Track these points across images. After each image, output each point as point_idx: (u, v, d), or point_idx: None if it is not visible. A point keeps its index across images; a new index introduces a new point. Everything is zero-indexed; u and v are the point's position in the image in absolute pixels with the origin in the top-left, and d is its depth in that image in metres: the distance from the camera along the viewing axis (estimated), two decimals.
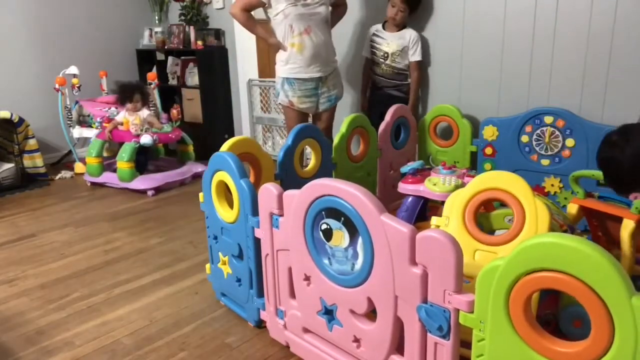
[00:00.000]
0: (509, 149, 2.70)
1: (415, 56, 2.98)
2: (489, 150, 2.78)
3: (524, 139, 2.65)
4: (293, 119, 2.83)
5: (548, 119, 2.55)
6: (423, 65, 3.06)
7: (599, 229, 1.98)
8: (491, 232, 1.90)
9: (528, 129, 2.63)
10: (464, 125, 2.88)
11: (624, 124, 1.66)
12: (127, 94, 3.67)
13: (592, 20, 2.45)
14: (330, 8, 2.82)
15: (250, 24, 2.80)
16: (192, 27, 4.36)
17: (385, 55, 3.02)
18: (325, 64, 2.80)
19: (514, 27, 2.71)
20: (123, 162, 3.44)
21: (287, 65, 2.75)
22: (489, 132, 2.76)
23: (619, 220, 1.76)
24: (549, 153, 2.59)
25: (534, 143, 2.63)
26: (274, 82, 4.22)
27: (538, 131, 2.60)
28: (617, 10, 2.38)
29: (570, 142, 2.51)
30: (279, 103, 2.90)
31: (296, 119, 2.82)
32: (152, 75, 4.22)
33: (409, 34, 2.97)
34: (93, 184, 3.67)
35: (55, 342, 1.79)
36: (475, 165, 2.86)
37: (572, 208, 1.94)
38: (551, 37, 2.60)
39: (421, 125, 3.04)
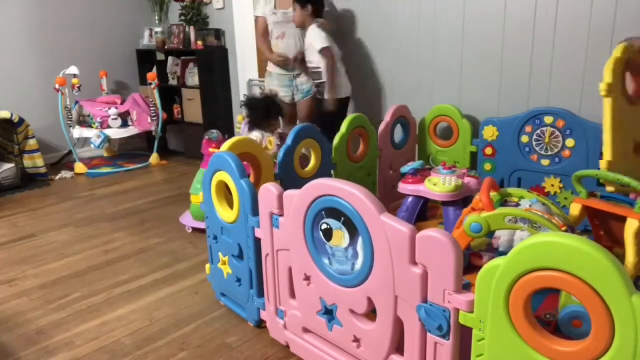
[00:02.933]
0: (508, 149, 2.70)
1: (317, 44, 3.10)
2: (489, 150, 2.78)
3: (524, 139, 2.65)
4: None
5: (548, 119, 2.55)
6: (329, 53, 3.11)
7: (600, 228, 1.97)
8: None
9: (528, 129, 2.63)
10: (463, 125, 2.88)
11: None
12: (273, 109, 2.68)
13: (592, 20, 2.45)
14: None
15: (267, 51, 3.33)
16: (192, 27, 4.36)
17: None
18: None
19: (513, 27, 2.72)
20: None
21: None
22: (489, 132, 2.76)
23: (622, 219, 1.76)
24: (549, 153, 2.59)
25: (534, 143, 2.63)
26: None
27: (538, 131, 2.60)
28: (617, 10, 2.38)
29: (570, 142, 2.51)
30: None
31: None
32: (152, 75, 4.22)
33: (309, 29, 3.16)
34: (195, 229, 2.71)
35: (55, 342, 1.79)
36: (475, 166, 2.86)
37: (575, 208, 1.94)
38: (551, 37, 2.60)
39: (421, 125, 3.04)
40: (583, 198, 1.93)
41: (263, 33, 3.33)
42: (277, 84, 3.32)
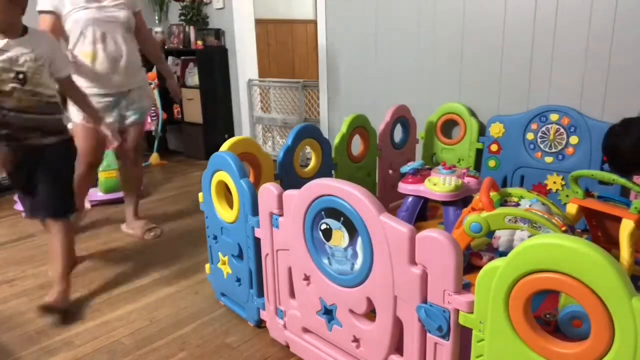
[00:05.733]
0: (514, 146, 2.72)
1: (64, 71, 2.04)
2: (494, 147, 2.80)
3: (530, 136, 2.67)
4: (85, 138, 2.39)
5: (554, 117, 2.57)
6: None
7: (598, 229, 1.98)
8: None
9: (534, 126, 2.64)
10: (471, 123, 2.89)
11: (625, 117, 1.95)
12: None
13: (592, 19, 2.45)
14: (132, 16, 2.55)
15: None
16: (192, 27, 4.37)
17: (21, 77, 1.84)
18: (127, 76, 2.48)
19: (514, 26, 2.71)
20: None
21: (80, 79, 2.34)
22: (496, 129, 2.78)
23: (618, 220, 1.77)
24: (553, 150, 2.60)
25: (539, 140, 2.64)
26: (274, 82, 4.25)
27: (543, 128, 2.62)
28: (617, 6, 2.38)
29: (574, 139, 2.52)
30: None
31: (88, 138, 2.39)
32: (152, 75, 4.21)
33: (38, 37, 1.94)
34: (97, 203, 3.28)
35: (55, 342, 1.79)
36: (479, 162, 2.88)
37: (572, 208, 1.95)
38: (551, 36, 2.59)
39: (428, 123, 3.06)
40: (580, 198, 1.94)
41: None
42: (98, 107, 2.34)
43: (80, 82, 2.29)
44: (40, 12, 2.31)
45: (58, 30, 2.32)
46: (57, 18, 2.31)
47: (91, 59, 2.37)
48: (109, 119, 2.43)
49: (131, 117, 2.57)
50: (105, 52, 2.39)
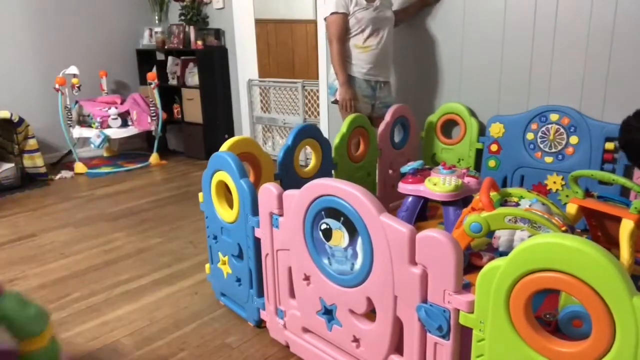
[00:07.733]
0: (514, 146, 2.72)
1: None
2: (494, 147, 2.80)
3: (529, 136, 2.67)
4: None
5: (554, 117, 2.57)
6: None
7: (598, 229, 1.98)
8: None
9: (534, 126, 2.65)
10: (471, 123, 2.89)
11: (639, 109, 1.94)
12: None
13: (592, 19, 2.45)
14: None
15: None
16: (192, 27, 4.37)
17: None
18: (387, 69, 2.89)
19: (514, 27, 2.71)
20: None
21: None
22: (496, 129, 2.78)
23: (618, 220, 1.77)
24: (553, 150, 2.60)
25: (539, 140, 2.65)
26: (274, 82, 4.25)
27: (543, 128, 2.62)
28: (617, 6, 2.38)
29: (574, 139, 2.52)
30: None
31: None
32: (152, 75, 4.22)
33: None
34: None
35: None
36: (479, 162, 2.88)
37: (572, 208, 1.95)
38: (551, 36, 2.59)
39: (428, 123, 3.06)
40: (580, 198, 1.94)
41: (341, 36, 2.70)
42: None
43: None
44: None
45: None
46: None
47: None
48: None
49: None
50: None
